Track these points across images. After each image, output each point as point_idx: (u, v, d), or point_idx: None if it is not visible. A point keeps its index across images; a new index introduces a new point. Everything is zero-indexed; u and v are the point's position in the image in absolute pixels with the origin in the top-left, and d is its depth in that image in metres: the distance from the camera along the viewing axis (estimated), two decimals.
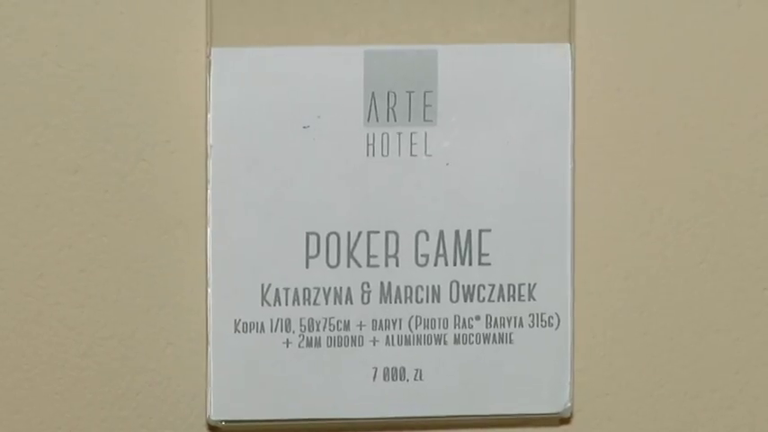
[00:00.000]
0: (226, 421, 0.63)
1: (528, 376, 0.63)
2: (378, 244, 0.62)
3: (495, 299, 0.62)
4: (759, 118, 0.66)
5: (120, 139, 0.63)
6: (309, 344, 0.62)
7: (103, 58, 0.63)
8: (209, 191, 0.62)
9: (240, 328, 0.62)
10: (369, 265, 0.62)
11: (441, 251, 0.62)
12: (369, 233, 0.62)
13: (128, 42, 0.63)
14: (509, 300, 0.62)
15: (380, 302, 0.62)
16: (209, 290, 0.62)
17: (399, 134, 0.61)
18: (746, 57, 0.65)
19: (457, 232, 0.62)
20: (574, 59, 0.62)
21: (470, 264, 0.62)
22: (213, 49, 0.61)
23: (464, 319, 0.62)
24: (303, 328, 0.62)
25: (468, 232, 0.62)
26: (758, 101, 0.65)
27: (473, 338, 0.63)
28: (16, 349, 0.65)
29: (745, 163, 0.66)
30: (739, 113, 0.66)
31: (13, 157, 0.63)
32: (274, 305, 0.62)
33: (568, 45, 0.61)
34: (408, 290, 0.62)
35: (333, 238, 0.62)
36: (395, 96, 0.61)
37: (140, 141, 0.63)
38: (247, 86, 0.61)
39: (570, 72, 0.62)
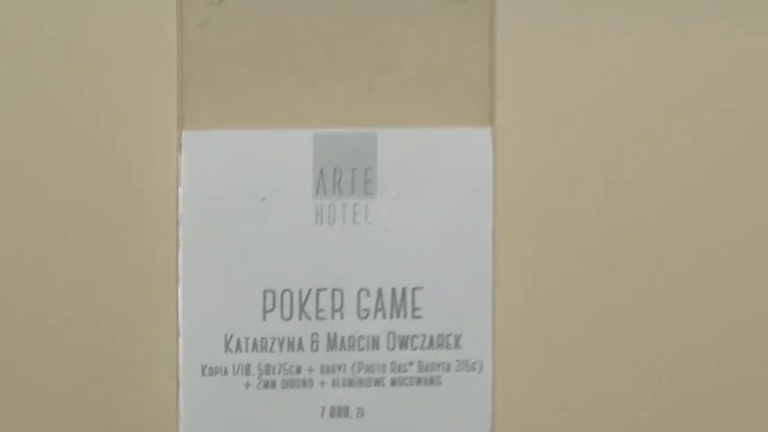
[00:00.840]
0: None
1: (455, 414, 0.72)
2: (325, 299, 0.70)
3: (427, 347, 0.71)
4: (674, 195, 0.74)
5: (102, 209, 0.72)
6: (266, 386, 0.70)
7: (86, 135, 0.72)
8: (179, 253, 0.70)
9: (206, 372, 0.70)
10: (317, 317, 0.70)
11: (379, 306, 0.70)
12: (318, 290, 0.70)
13: (110, 122, 0.72)
14: (438, 348, 0.71)
15: (327, 350, 0.70)
16: (180, 339, 0.70)
17: (344, 205, 0.70)
18: (657, 134, 0.74)
19: (393, 289, 0.70)
20: (494, 140, 0.71)
21: (405, 317, 0.70)
22: (184, 132, 0.70)
23: (399, 365, 0.70)
24: (261, 372, 0.70)
25: (403, 289, 0.70)
26: (671, 175, 0.74)
27: (407, 381, 0.71)
28: None
29: (659, 232, 0.75)
30: (653, 190, 0.74)
31: None
32: (236, 352, 0.70)
33: (489, 128, 0.71)
34: (351, 339, 0.70)
35: (287, 295, 0.70)
36: (340, 172, 0.70)
37: (120, 210, 0.72)
38: (213, 164, 0.70)
39: (491, 151, 0.71)
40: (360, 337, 0.70)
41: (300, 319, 0.70)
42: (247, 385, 0.70)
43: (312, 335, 0.70)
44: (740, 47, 0.73)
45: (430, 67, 0.70)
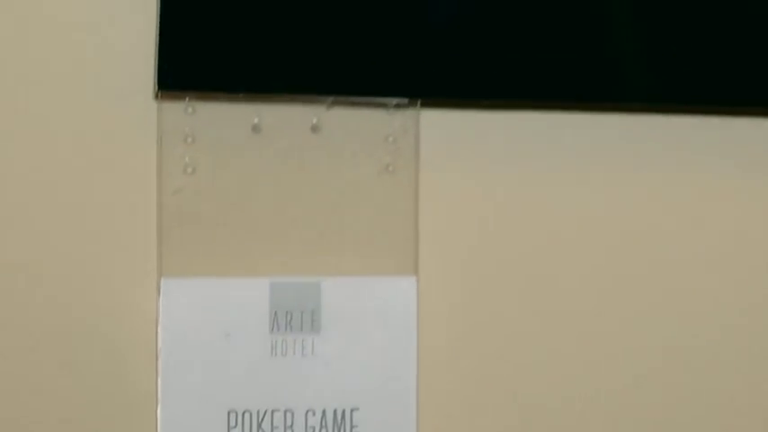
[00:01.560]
0: None
1: None
2: (278, 419, 0.85)
3: None
4: (585, 340, 0.90)
5: (93, 343, 0.86)
6: None
7: (83, 280, 0.87)
8: (159, 380, 0.85)
9: None
10: None
11: (323, 424, 0.85)
12: (272, 411, 0.85)
13: (101, 269, 0.86)
14: None
15: None
16: None
17: (295, 340, 0.85)
18: (565, 282, 0.90)
19: (335, 410, 0.85)
20: (418, 286, 0.86)
21: None
22: (163, 279, 0.85)
23: None
24: None
25: (343, 411, 0.85)
26: (579, 322, 0.90)
27: None
28: None
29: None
30: (564, 334, 0.90)
31: None
32: None
33: (414, 277, 0.86)
34: None
35: (247, 414, 0.85)
36: (291, 314, 0.85)
37: (108, 344, 0.86)
38: (187, 306, 0.85)
39: (415, 296, 0.86)
40: None
41: None
42: None
43: None
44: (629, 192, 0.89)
45: (365, 226, 0.86)
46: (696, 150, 0.89)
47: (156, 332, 0.85)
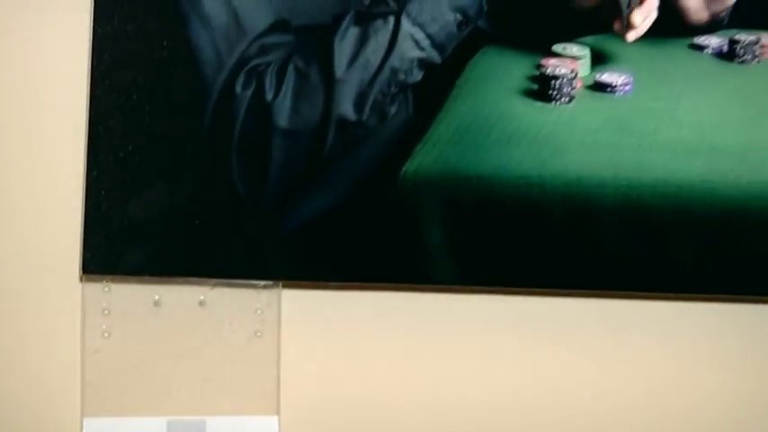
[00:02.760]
0: None
1: None
2: None
3: None
4: None
5: None
6: None
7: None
8: None
9: None
10: None
11: None
12: None
13: (33, 414, 1.11)
14: None
15: None
16: None
17: None
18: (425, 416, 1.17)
19: None
20: (279, 423, 1.12)
21: None
22: (85, 419, 1.09)
23: None
24: None
25: None
26: None
27: None
28: None
29: None
30: None
31: None
32: None
33: (276, 416, 1.12)
34: None
35: None
36: None
37: None
38: None
39: (277, 430, 1.12)
40: None
41: None
42: None
43: None
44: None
45: (240, 377, 1.12)
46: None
47: None
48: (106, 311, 1.11)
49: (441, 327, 1.15)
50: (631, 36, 1.12)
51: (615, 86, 1.12)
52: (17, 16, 1.11)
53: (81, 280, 1.11)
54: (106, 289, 1.11)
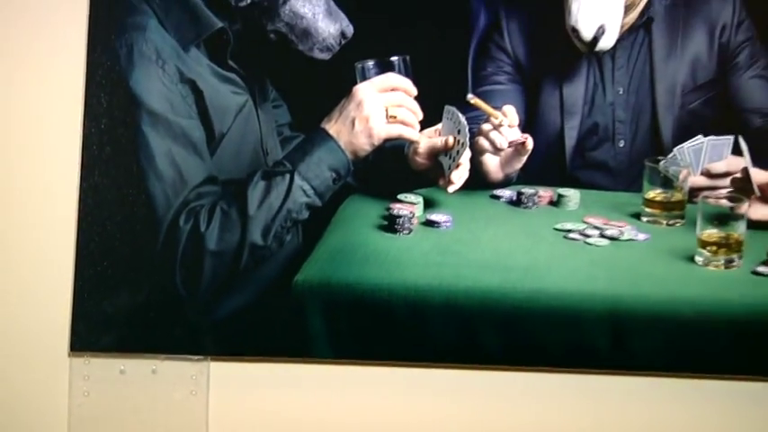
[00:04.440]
0: None
1: None
2: None
3: None
4: None
5: None
6: None
7: None
8: None
9: None
10: None
11: None
12: None
13: None
14: None
15: None
16: None
17: None
18: None
19: None
20: None
21: None
22: None
23: None
24: None
25: None
26: None
27: None
28: None
29: None
30: None
31: None
32: None
33: None
34: None
35: None
36: None
37: None
38: None
39: None
40: None
41: None
42: None
43: None
44: None
45: (182, 424, 1.55)
46: None
47: None
48: (86, 377, 1.55)
49: (319, 390, 1.60)
50: (451, 189, 1.61)
51: (440, 223, 1.61)
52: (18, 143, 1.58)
53: (69, 355, 1.56)
54: (86, 362, 1.56)
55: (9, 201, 1.59)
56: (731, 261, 1.57)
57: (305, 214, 1.58)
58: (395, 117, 1.59)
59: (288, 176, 1.57)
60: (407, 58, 1.61)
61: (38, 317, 1.57)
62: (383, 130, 1.59)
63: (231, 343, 1.58)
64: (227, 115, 1.59)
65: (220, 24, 1.57)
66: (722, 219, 1.58)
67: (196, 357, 1.57)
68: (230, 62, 1.59)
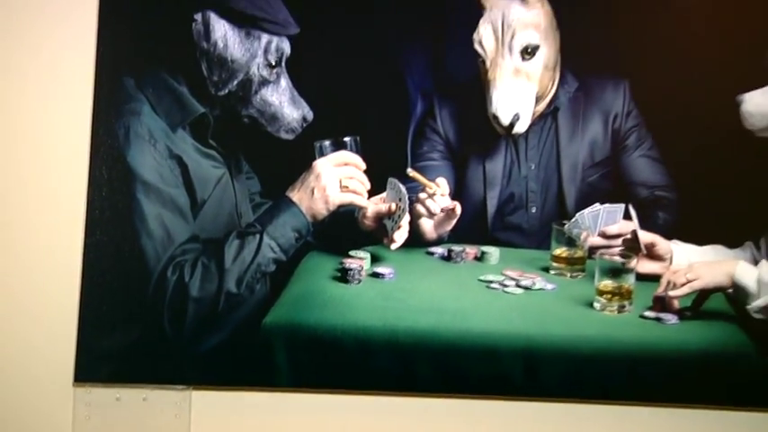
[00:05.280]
0: None
1: None
2: None
3: None
4: None
5: None
6: None
7: None
8: None
9: None
10: None
11: None
12: None
13: None
14: None
15: None
16: None
17: None
18: None
19: None
20: None
21: None
22: None
23: None
24: None
25: None
26: None
27: None
28: None
29: None
30: None
31: None
32: None
33: None
34: None
35: None
36: None
37: None
38: None
39: None
40: None
41: None
42: None
43: None
44: None
45: None
46: None
47: None
48: (88, 404, 1.82)
49: (283, 413, 1.88)
50: (394, 246, 1.91)
51: (384, 275, 1.90)
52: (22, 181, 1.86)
53: (73, 385, 1.83)
54: (88, 391, 1.83)
55: (25, 255, 1.87)
56: (623, 307, 1.87)
57: (272, 267, 1.86)
58: (347, 187, 1.88)
59: (258, 236, 1.85)
60: (357, 138, 1.90)
61: (46, 352, 1.84)
62: (337, 198, 1.88)
63: (210, 375, 1.86)
64: (208, 185, 1.87)
65: (202, 110, 1.86)
66: (615, 272, 1.87)
67: (180, 387, 1.85)
68: (211, 141, 1.87)
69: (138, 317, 1.84)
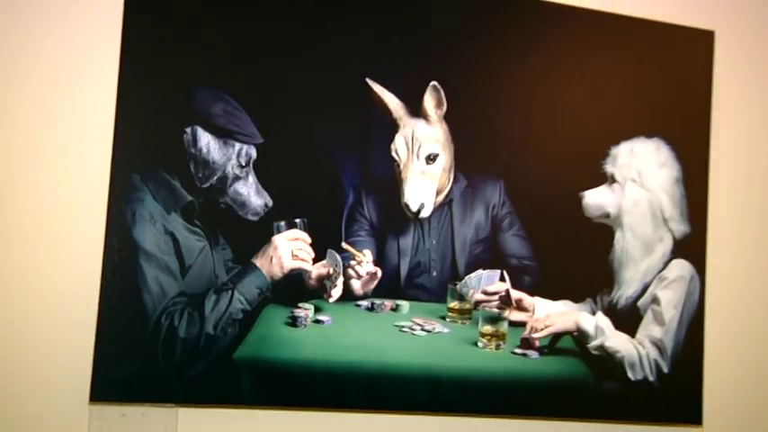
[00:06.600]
0: None
1: None
2: None
3: None
4: None
5: None
6: None
7: None
8: None
9: None
10: None
11: None
12: None
13: None
14: None
15: None
16: None
17: None
18: None
19: None
20: None
21: None
22: None
23: None
24: None
25: None
26: None
27: None
28: None
29: None
30: None
31: None
32: None
33: None
34: None
35: None
36: None
37: None
38: None
39: None
40: None
41: None
42: None
43: None
44: None
45: None
46: None
47: None
48: (100, 419, 2.30)
49: (248, 427, 2.38)
50: (331, 300, 2.41)
51: (324, 321, 2.40)
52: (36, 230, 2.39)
53: (89, 403, 2.30)
54: (101, 409, 2.30)
55: (51, 307, 2.31)
56: (499, 345, 2.39)
57: (240, 315, 2.33)
58: (297, 256, 2.38)
59: (230, 292, 2.33)
60: (305, 220, 2.38)
61: (66, 378, 2.29)
62: (290, 264, 2.37)
63: (193, 396, 2.31)
64: (193, 254, 2.34)
65: (190, 198, 2.33)
66: (493, 320, 2.38)
67: (170, 405, 2.32)
68: (196, 221, 2.35)
69: (139, 351, 2.27)
